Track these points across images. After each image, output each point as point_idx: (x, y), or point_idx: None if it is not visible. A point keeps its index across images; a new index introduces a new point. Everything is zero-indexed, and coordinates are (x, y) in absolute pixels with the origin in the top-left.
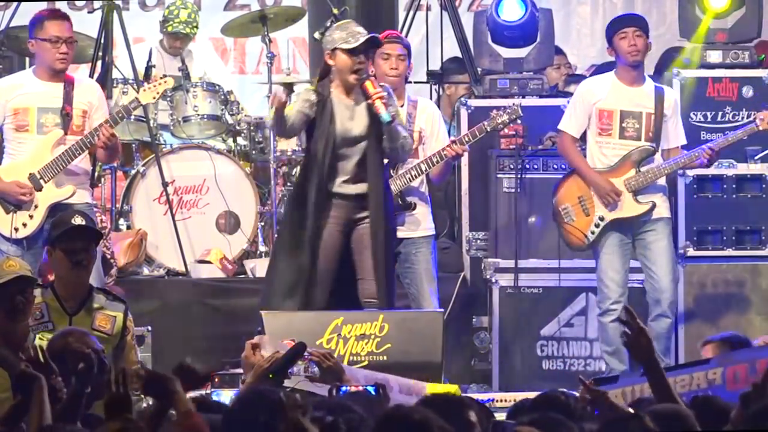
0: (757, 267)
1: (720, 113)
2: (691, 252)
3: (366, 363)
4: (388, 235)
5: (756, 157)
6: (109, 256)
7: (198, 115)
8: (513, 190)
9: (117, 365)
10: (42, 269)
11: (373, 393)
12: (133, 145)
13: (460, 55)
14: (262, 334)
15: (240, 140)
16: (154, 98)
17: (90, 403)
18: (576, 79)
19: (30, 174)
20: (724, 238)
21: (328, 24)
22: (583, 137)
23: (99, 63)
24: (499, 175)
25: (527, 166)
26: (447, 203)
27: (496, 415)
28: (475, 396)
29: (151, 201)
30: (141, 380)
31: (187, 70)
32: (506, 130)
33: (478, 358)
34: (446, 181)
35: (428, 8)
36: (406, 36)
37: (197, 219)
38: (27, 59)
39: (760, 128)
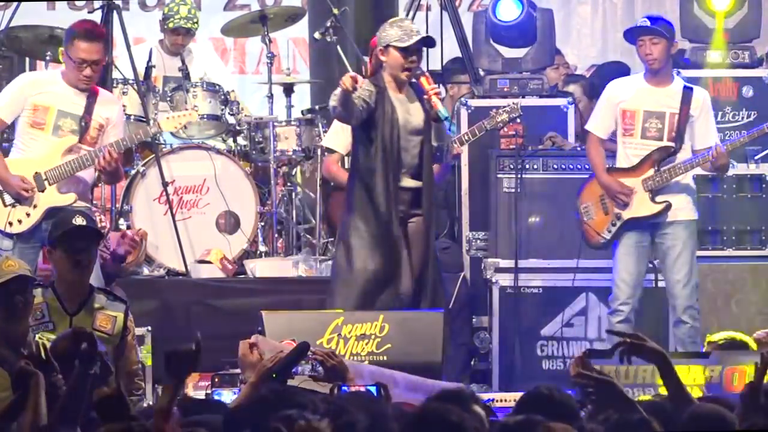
0: (757, 267)
1: (720, 113)
2: None
3: (366, 363)
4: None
5: (756, 157)
6: (107, 256)
7: (198, 115)
8: (513, 190)
9: (118, 365)
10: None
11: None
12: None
13: (460, 55)
14: (262, 334)
15: (240, 140)
16: (176, 128)
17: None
18: (575, 78)
19: (36, 173)
20: (724, 238)
21: (328, 24)
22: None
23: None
24: (499, 175)
25: (527, 166)
26: (447, 203)
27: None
28: None
29: (151, 201)
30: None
31: (187, 70)
32: (506, 130)
33: (478, 358)
34: (446, 180)
35: (428, 8)
36: None
37: (197, 219)
38: (27, 59)
39: None
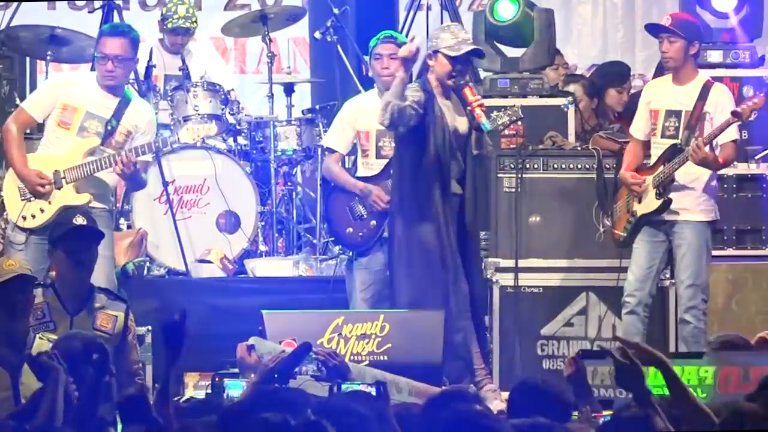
0: (758, 267)
1: None
2: None
3: (366, 363)
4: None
5: (756, 157)
6: None
7: (198, 114)
8: (513, 190)
9: (119, 365)
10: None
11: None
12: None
13: None
14: (262, 334)
15: (240, 140)
16: (194, 140)
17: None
18: (575, 78)
19: (55, 170)
20: (725, 237)
21: (329, 23)
22: None
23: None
24: (499, 175)
25: (527, 166)
26: None
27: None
28: None
29: (151, 200)
30: None
31: (188, 69)
32: (506, 131)
33: None
34: None
35: (428, 8)
36: (406, 35)
37: (198, 218)
38: (27, 59)
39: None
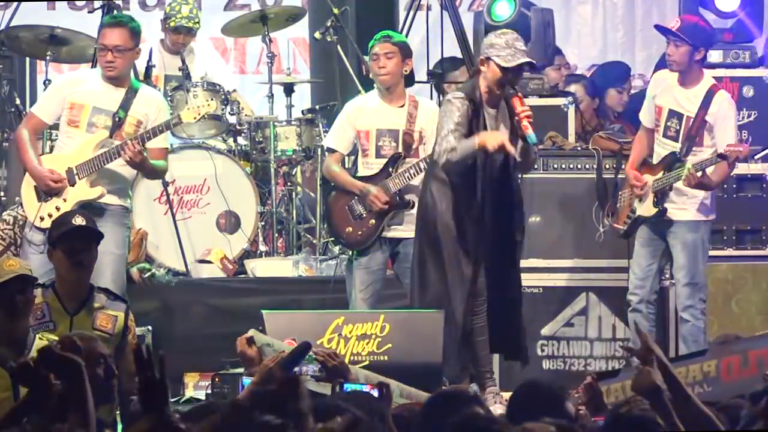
0: (758, 267)
1: None
2: None
3: (367, 363)
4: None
5: (756, 157)
6: None
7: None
8: None
9: (119, 365)
10: None
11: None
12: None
13: (459, 55)
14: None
15: (240, 140)
16: (195, 119)
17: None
18: (576, 78)
19: (68, 168)
20: (725, 237)
21: (329, 24)
22: None
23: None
24: None
25: None
26: None
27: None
28: None
29: (151, 201)
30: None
31: (188, 69)
32: None
33: None
34: None
35: (428, 8)
36: (407, 36)
37: (198, 219)
38: (27, 59)
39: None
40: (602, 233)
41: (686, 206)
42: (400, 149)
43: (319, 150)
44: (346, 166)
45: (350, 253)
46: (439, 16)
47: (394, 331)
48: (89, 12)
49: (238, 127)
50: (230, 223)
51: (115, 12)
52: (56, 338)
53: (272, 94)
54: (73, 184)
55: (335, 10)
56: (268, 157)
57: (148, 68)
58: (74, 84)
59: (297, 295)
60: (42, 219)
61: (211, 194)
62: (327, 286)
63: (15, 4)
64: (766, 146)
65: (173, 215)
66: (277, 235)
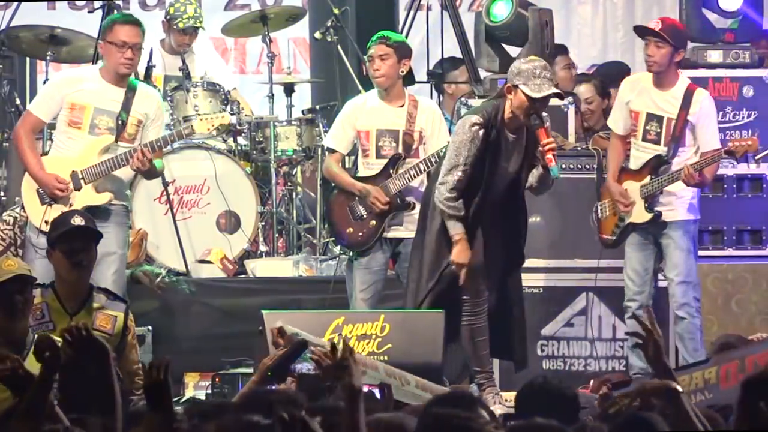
0: (758, 267)
1: (721, 113)
2: None
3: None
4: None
5: (756, 158)
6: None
7: (198, 114)
8: None
9: (119, 365)
10: None
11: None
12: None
13: (459, 56)
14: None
15: (240, 140)
16: (209, 130)
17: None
18: (586, 78)
19: (72, 172)
20: (725, 238)
21: (329, 24)
22: None
23: (99, 62)
24: None
25: None
26: None
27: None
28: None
29: (151, 201)
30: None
31: (188, 69)
32: None
33: None
34: None
35: (428, 8)
36: (407, 36)
37: (198, 219)
38: (27, 59)
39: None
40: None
41: (675, 207)
42: (401, 149)
43: (320, 150)
44: (347, 166)
45: (350, 253)
46: (440, 16)
47: (394, 332)
48: (89, 12)
49: (238, 127)
50: (230, 223)
51: (116, 12)
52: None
53: (272, 94)
54: (78, 189)
55: (335, 10)
56: (268, 157)
57: (149, 68)
58: (73, 83)
59: (297, 295)
60: (47, 223)
61: (211, 194)
62: (327, 286)
63: (15, 4)
64: (765, 146)
65: (173, 215)
66: (277, 235)
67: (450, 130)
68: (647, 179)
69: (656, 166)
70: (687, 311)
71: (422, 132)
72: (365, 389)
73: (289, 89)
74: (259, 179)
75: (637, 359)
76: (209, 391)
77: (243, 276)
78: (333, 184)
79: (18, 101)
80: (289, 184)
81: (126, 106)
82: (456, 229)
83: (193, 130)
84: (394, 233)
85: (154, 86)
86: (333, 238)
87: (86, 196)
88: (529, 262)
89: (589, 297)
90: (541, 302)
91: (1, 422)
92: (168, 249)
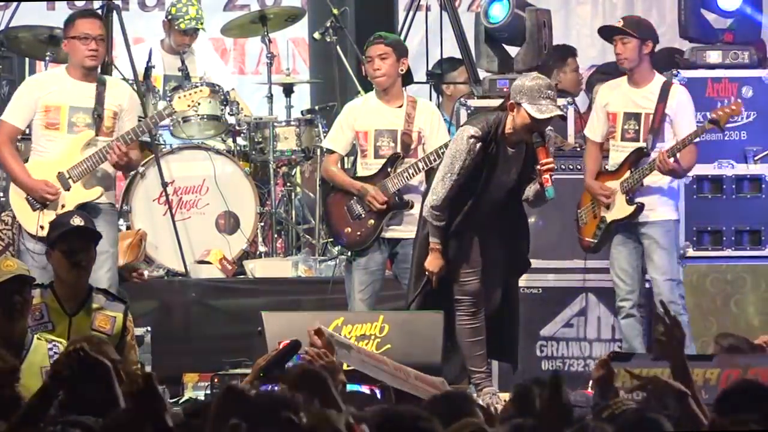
0: (757, 267)
1: None
2: (690, 252)
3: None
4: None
5: (755, 158)
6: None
7: (198, 115)
8: None
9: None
10: None
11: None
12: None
13: (458, 56)
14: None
15: (240, 140)
16: (189, 106)
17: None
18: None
19: (59, 173)
20: (724, 238)
21: (328, 24)
22: None
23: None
24: None
25: None
26: None
27: None
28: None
29: (150, 201)
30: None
31: (187, 70)
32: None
33: None
34: None
35: (428, 8)
36: (406, 36)
37: (197, 219)
38: (27, 60)
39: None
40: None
41: (656, 206)
42: (399, 149)
43: (319, 150)
44: (346, 166)
45: (349, 253)
46: (439, 16)
47: (393, 332)
48: None
49: (237, 128)
50: (229, 223)
51: (115, 14)
52: (56, 339)
53: (271, 95)
54: (68, 189)
55: (335, 11)
56: (267, 157)
57: (148, 69)
58: (44, 85)
59: (296, 296)
60: (42, 228)
61: (210, 195)
62: (326, 286)
63: (15, 4)
64: (765, 146)
65: (172, 216)
66: (276, 235)
67: (449, 131)
68: (627, 174)
69: (636, 159)
70: (674, 309)
71: (421, 132)
72: (366, 390)
73: (288, 90)
74: (258, 180)
75: None
76: (208, 392)
77: (242, 276)
78: (332, 185)
79: None
80: (288, 184)
81: (100, 100)
82: (434, 239)
83: (174, 109)
84: (392, 233)
85: (153, 86)
86: (332, 239)
87: (77, 195)
88: None
89: (588, 298)
90: (540, 303)
91: None
92: (167, 249)
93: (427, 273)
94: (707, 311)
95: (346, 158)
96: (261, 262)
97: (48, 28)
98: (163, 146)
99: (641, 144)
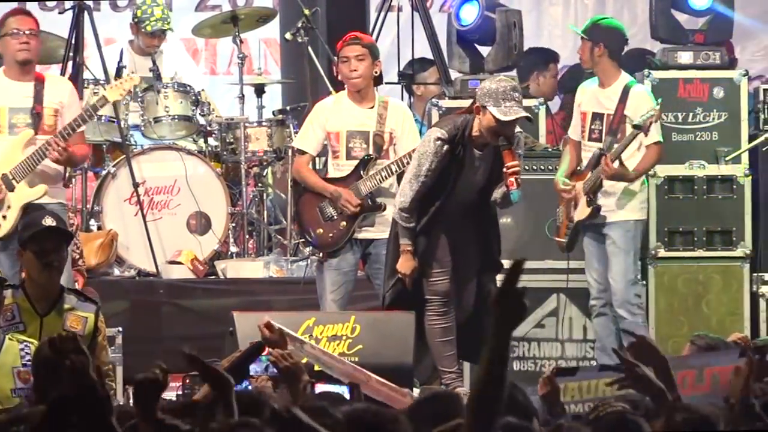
0: (728, 268)
1: (691, 114)
2: (662, 253)
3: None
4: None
5: (727, 159)
6: (77, 256)
7: (169, 115)
8: None
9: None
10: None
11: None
12: (104, 146)
13: (430, 56)
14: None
15: (211, 141)
16: (122, 95)
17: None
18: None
19: (2, 175)
20: (695, 239)
21: (300, 25)
22: None
23: (70, 63)
24: None
25: None
26: None
27: None
28: None
29: (121, 202)
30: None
31: (159, 70)
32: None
33: None
34: None
35: (399, 9)
36: (377, 37)
37: (168, 220)
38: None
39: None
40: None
41: (615, 207)
42: (371, 150)
43: (290, 151)
44: (317, 167)
45: (320, 254)
46: (410, 17)
47: (365, 333)
48: (60, 13)
49: (208, 128)
50: (201, 224)
51: (86, 14)
52: (27, 339)
53: (243, 95)
54: (11, 189)
55: (306, 11)
56: (238, 158)
57: (119, 69)
58: None
59: (268, 296)
60: None
61: (182, 195)
62: (298, 287)
63: None
64: (736, 147)
65: (144, 216)
66: (247, 236)
67: (420, 131)
68: (588, 175)
69: (596, 160)
70: (627, 309)
71: (392, 133)
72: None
73: (259, 90)
74: (229, 180)
75: (607, 358)
76: (180, 392)
77: (213, 277)
78: (303, 185)
79: None
80: (259, 185)
81: (38, 99)
82: (404, 240)
83: (106, 100)
84: (365, 234)
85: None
86: (303, 239)
87: (22, 195)
88: None
89: (560, 298)
90: None
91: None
92: (138, 250)
93: (399, 275)
94: (678, 311)
95: (317, 159)
96: (232, 262)
97: None
98: (134, 147)
99: (599, 145)
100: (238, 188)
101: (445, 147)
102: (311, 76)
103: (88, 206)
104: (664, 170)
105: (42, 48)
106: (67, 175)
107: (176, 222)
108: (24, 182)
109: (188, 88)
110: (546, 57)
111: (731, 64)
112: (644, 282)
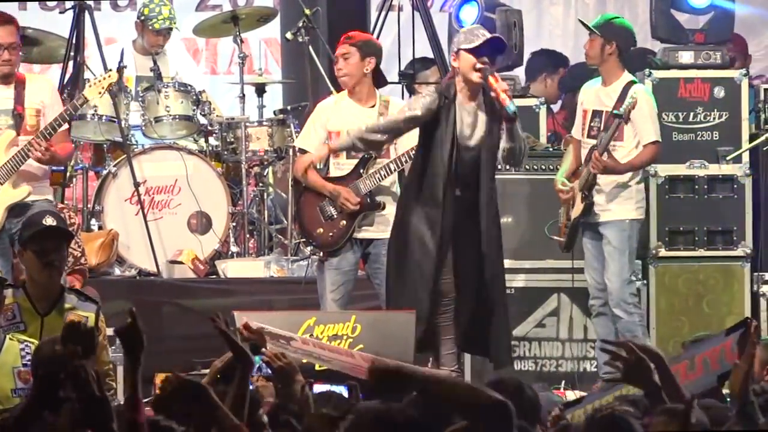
0: (729, 267)
1: (692, 114)
2: (662, 252)
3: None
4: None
5: (728, 158)
6: (79, 254)
7: (170, 115)
8: None
9: None
10: (16, 269)
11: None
12: (105, 146)
13: (431, 56)
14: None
15: (212, 140)
16: (100, 93)
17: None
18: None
19: None
20: (696, 238)
21: (300, 24)
22: None
23: (71, 63)
24: None
25: (499, 167)
26: None
27: None
28: None
29: (122, 201)
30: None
31: (159, 70)
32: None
33: None
34: None
35: (400, 9)
36: (378, 36)
37: (169, 219)
38: None
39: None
40: None
41: (610, 206)
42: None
43: (291, 151)
44: (318, 166)
45: (321, 253)
46: (411, 16)
47: (365, 332)
48: (60, 12)
49: (209, 128)
50: (201, 223)
51: (87, 13)
52: (28, 339)
53: (244, 95)
54: None
55: (307, 11)
56: (239, 157)
57: (120, 69)
58: None
59: (268, 296)
60: None
61: (183, 195)
62: (298, 286)
63: None
64: (737, 147)
65: (144, 216)
66: (248, 235)
67: None
68: (584, 172)
69: (588, 158)
70: (624, 308)
71: None
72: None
73: (260, 90)
74: (230, 180)
75: (605, 357)
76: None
77: (214, 277)
78: (303, 185)
79: None
80: (260, 184)
81: (18, 100)
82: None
83: (86, 98)
84: (364, 234)
85: (126, 87)
86: (304, 239)
87: (6, 196)
88: None
89: (560, 298)
90: (512, 303)
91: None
92: (139, 250)
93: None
94: (679, 311)
95: None
96: (233, 262)
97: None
98: (135, 146)
99: (593, 142)
100: (238, 188)
101: (434, 95)
102: (312, 75)
103: (89, 206)
104: (664, 170)
105: (42, 48)
106: (67, 175)
107: (177, 221)
108: (8, 183)
109: (189, 87)
110: (557, 61)
111: (732, 63)
112: (645, 281)
